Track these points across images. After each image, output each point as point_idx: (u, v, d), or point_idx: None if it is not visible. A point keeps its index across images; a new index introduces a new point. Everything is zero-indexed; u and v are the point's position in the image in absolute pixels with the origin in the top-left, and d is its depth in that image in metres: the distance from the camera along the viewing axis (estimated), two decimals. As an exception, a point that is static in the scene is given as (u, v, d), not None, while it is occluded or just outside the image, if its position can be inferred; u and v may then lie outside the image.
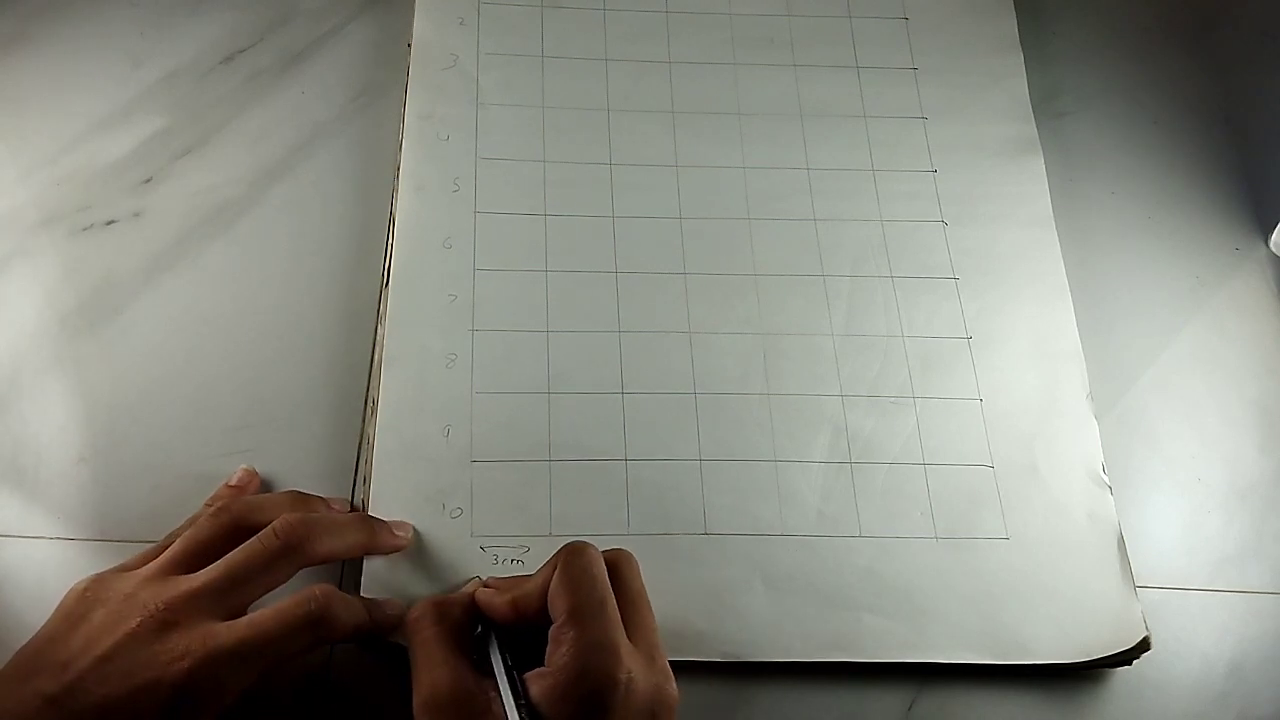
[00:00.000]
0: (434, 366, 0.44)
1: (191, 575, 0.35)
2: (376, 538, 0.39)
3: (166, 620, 0.33)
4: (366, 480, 0.42)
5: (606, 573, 0.35)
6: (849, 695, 0.40)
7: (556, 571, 0.34)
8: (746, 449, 0.44)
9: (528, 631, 0.35)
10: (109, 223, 0.48)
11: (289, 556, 0.36)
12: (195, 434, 0.43)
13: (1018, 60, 0.54)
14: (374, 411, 0.43)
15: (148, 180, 0.49)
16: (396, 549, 0.40)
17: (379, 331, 0.45)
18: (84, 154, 0.49)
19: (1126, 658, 0.41)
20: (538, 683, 0.32)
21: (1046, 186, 0.51)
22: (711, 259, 0.47)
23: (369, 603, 0.38)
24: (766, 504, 0.43)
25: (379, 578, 0.40)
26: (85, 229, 0.47)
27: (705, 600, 0.41)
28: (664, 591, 0.40)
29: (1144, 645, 0.41)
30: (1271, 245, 0.52)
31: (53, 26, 0.52)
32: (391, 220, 0.47)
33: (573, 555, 0.35)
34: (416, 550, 0.40)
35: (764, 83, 0.52)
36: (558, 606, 0.34)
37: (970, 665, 0.40)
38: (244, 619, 0.34)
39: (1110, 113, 0.55)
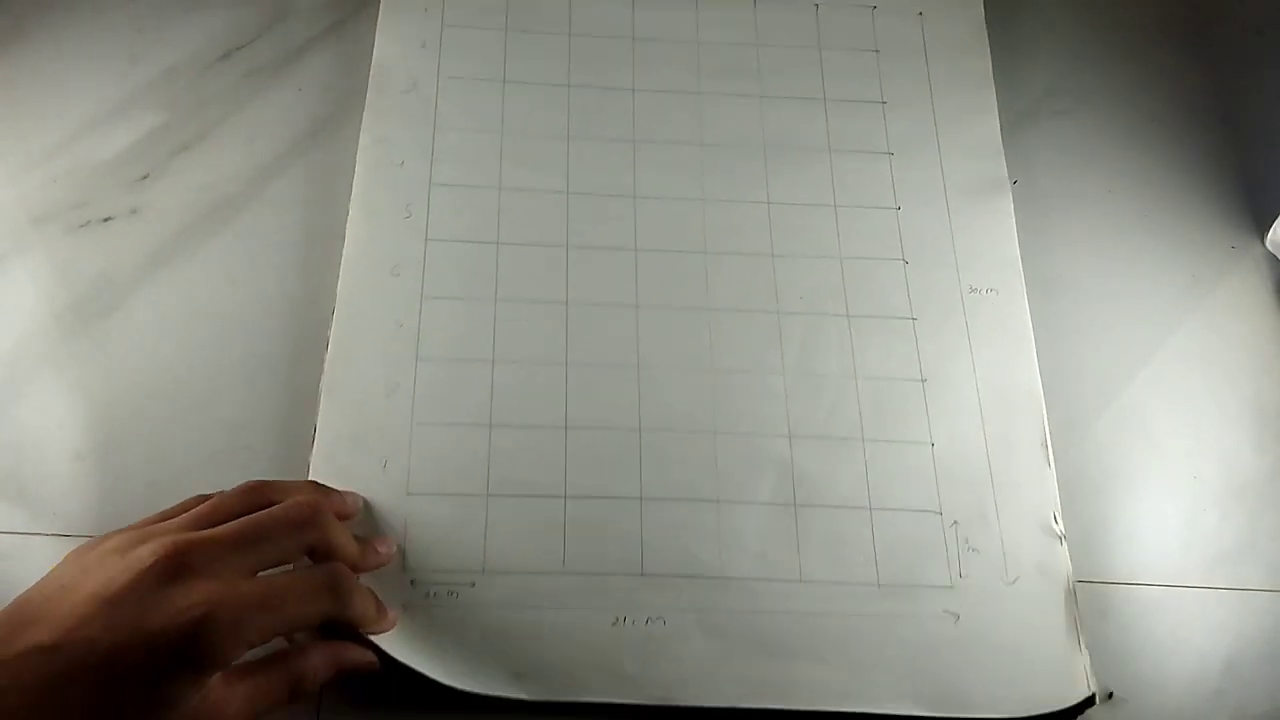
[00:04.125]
0: (375, 396, 0.43)
1: (210, 529, 0.34)
2: (364, 557, 0.39)
3: (182, 565, 0.31)
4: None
5: None
6: (783, 744, 0.40)
7: None
8: (689, 488, 0.43)
9: None
10: (106, 219, 0.48)
11: (303, 529, 0.35)
12: (192, 431, 0.43)
13: (989, 97, 0.53)
14: (313, 439, 0.42)
15: (145, 177, 0.49)
16: (379, 566, 0.40)
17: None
18: (81, 150, 0.49)
19: (1071, 713, 0.40)
20: None
21: (1014, 226, 0.50)
22: (665, 292, 0.47)
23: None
24: (706, 545, 0.42)
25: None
26: (82, 225, 0.47)
27: (639, 642, 0.40)
28: (597, 632, 0.40)
29: (1089, 702, 0.40)
30: (1267, 243, 0.51)
31: (49, 22, 0.52)
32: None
33: None
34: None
35: (729, 113, 0.51)
36: None
37: (908, 716, 0.40)
38: (263, 576, 0.34)
39: (1107, 111, 0.55)
